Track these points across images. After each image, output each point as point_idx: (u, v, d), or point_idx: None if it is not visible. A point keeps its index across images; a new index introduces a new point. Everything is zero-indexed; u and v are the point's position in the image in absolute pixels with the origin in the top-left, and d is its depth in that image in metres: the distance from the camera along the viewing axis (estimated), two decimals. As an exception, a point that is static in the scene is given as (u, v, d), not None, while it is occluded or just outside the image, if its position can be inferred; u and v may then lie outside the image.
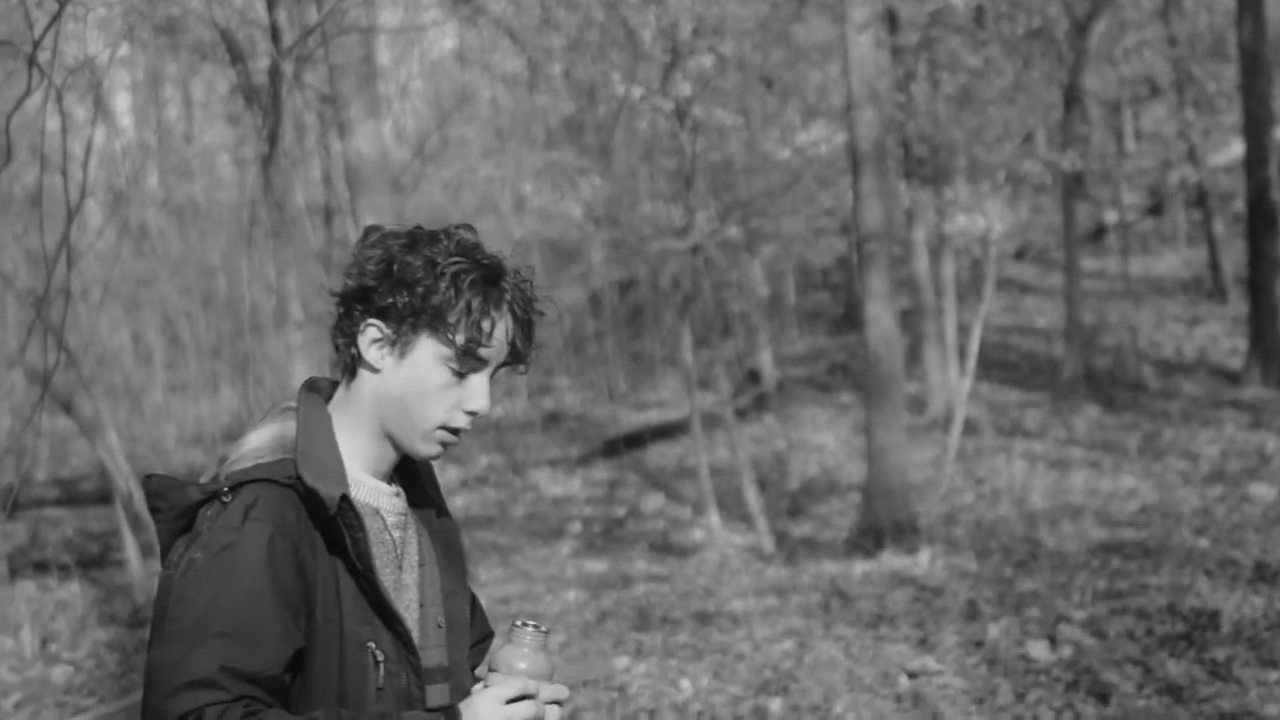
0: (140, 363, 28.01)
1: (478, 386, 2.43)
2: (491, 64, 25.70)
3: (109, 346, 24.36)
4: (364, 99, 9.27)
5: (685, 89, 13.36)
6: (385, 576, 2.42)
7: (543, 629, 2.40)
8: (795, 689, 7.68)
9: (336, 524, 2.32)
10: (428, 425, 2.42)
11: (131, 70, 26.99)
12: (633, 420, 22.49)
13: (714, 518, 13.71)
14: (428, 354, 2.38)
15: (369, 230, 2.46)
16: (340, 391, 2.49)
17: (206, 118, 29.12)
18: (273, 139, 11.69)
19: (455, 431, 2.45)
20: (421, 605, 2.51)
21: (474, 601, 2.73)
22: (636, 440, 20.25)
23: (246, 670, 2.18)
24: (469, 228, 2.47)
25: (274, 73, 11.93)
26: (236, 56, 13.10)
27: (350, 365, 2.44)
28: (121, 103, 29.38)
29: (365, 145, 9.27)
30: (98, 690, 9.49)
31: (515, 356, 2.46)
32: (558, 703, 2.39)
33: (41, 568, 13.62)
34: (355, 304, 2.40)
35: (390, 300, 2.36)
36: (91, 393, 12.57)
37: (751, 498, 13.19)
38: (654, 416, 22.53)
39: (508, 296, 2.41)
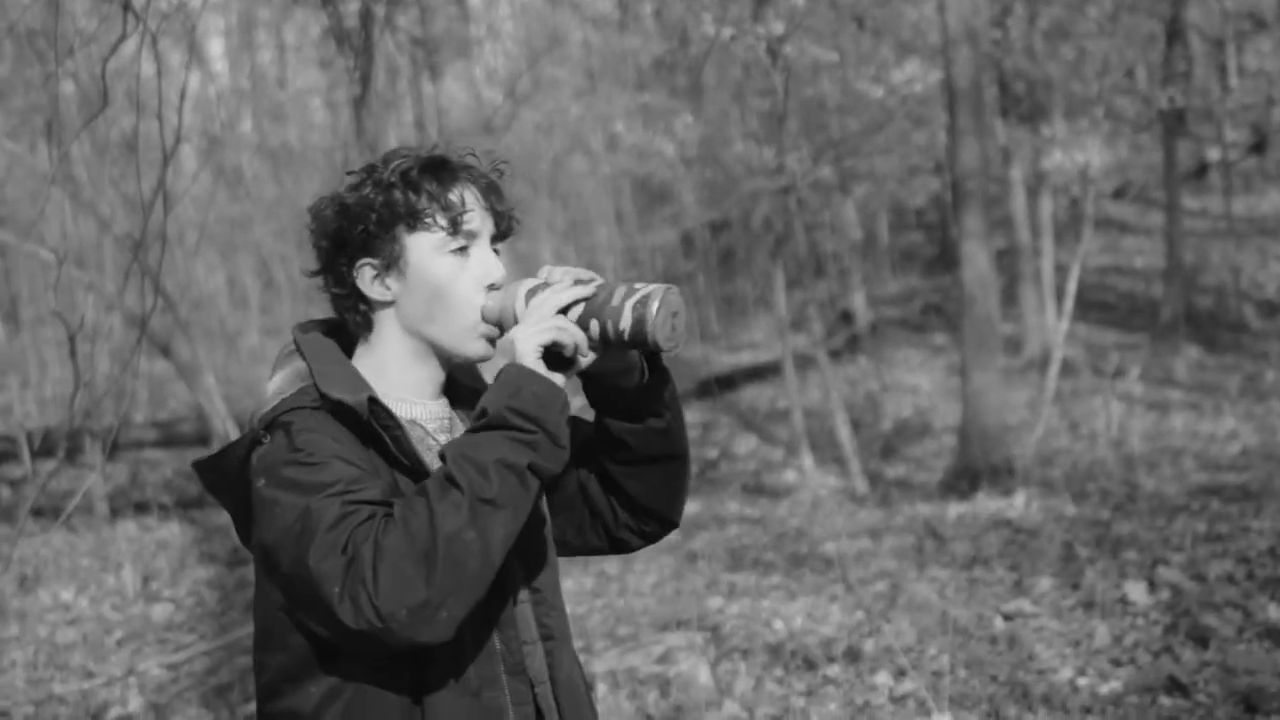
0: (236, 306, 28.35)
1: (485, 258, 2.45)
2: (582, 4, 25.60)
3: (205, 290, 24.66)
4: (455, 41, 9.24)
5: (777, 27, 13.22)
6: None
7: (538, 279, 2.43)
8: (889, 630, 7.64)
9: (373, 428, 2.33)
10: (465, 322, 2.44)
11: (225, 15, 27.16)
12: (725, 361, 22.47)
13: (807, 459, 13.66)
14: (423, 254, 2.40)
15: (314, 203, 2.49)
16: (362, 347, 2.51)
17: (299, 62, 29.26)
18: (365, 82, 11.70)
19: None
20: None
21: None
22: (729, 381, 20.23)
23: (365, 499, 2.21)
24: (406, 147, 2.49)
25: (366, 16, 11.93)
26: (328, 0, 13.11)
27: (365, 319, 2.46)
28: (215, 48, 29.59)
29: (456, 87, 9.24)
30: (198, 628, 9.64)
31: (498, 219, 2.47)
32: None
33: (142, 508, 13.85)
34: (337, 259, 2.43)
35: (361, 229, 2.39)
36: (189, 336, 12.72)
37: (845, 439, 13.13)
38: (746, 358, 22.50)
39: (459, 169, 2.44)
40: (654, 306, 2.33)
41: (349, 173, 2.46)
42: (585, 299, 2.37)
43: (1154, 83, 19.56)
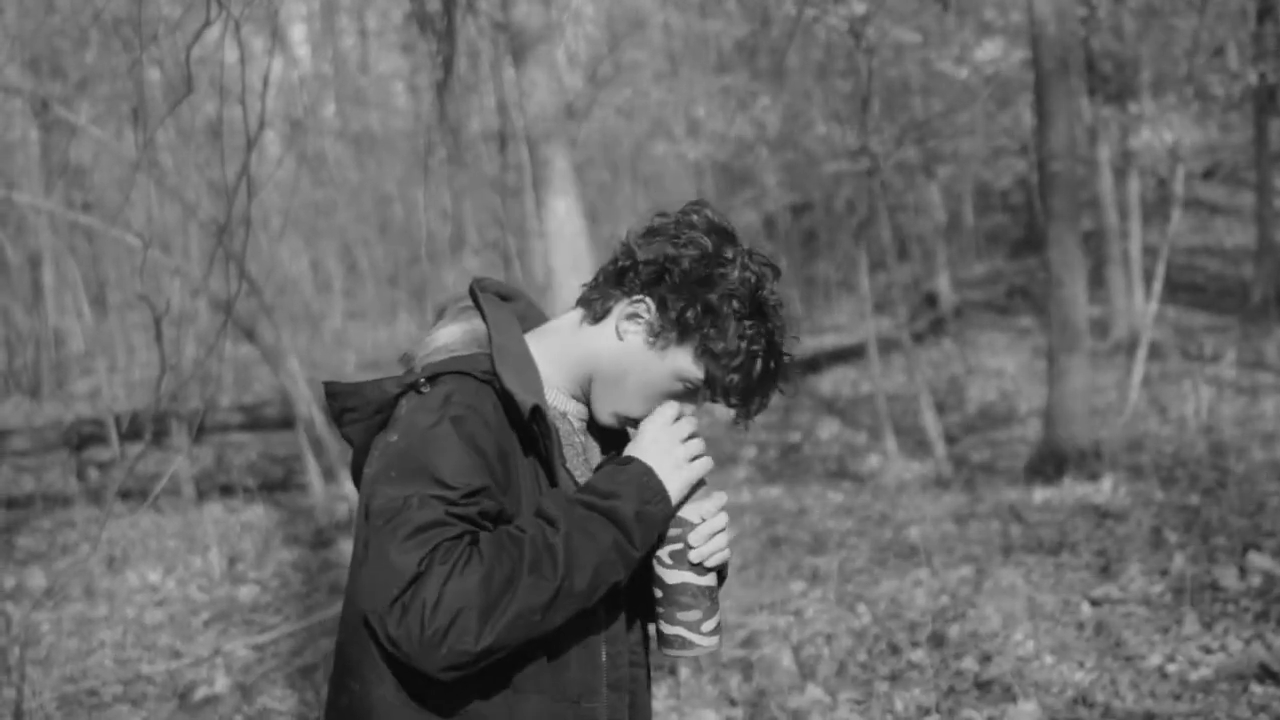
0: (319, 290, 28.60)
1: (688, 417, 2.45)
2: (663, -13, 25.54)
3: (289, 274, 24.87)
4: (537, 24, 9.21)
5: (859, 8, 13.10)
6: (579, 476, 2.45)
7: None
8: (974, 615, 7.57)
9: (531, 426, 2.33)
10: (625, 411, 2.45)
11: (307, 1, 27.35)
12: (808, 345, 22.37)
13: (890, 443, 13.56)
14: (675, 366, 2.40)
15: (695, 206, 2.45)
16: (571, 321, 2.50)
17: (381, 47, 29.44)
18: (447, 66, 11.70)
19: (637, 425, 2.48)
20: None
21: None
22: (812, 365, 20.14)
23: (467, 516, 2.21)
24: (774, 270, 2.47)
25: (448, 0, 11.94)
26: (410, -16, 13.14)
27: (601, 314, 2.45)
28: (297, 33, 29.84)
29: (538, 71, 9.23)
30: (283, 609, 9.71)
31: (745, 413, 2.48)
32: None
33: (227, 491, 13.97)
34: (640, 273, 2.39)
35: (680, 305, 2.36)
36: (273, 320, 12.81)
37: (929, 423, 13.02)
38: (829, 341, 22.39)
39: (773, 368, 2.43)
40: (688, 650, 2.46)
41: (733, 237, 2.43)
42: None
43: (1244, 60, 19.26)
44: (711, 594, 2.43)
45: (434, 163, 13.01)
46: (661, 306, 2.36)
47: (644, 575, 2.48)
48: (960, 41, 17.23)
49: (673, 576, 2.41)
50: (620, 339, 2.40)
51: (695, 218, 2.41)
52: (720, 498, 2.45)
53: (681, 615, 2.41)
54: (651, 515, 2.29)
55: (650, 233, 2.42)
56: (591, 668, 2.39)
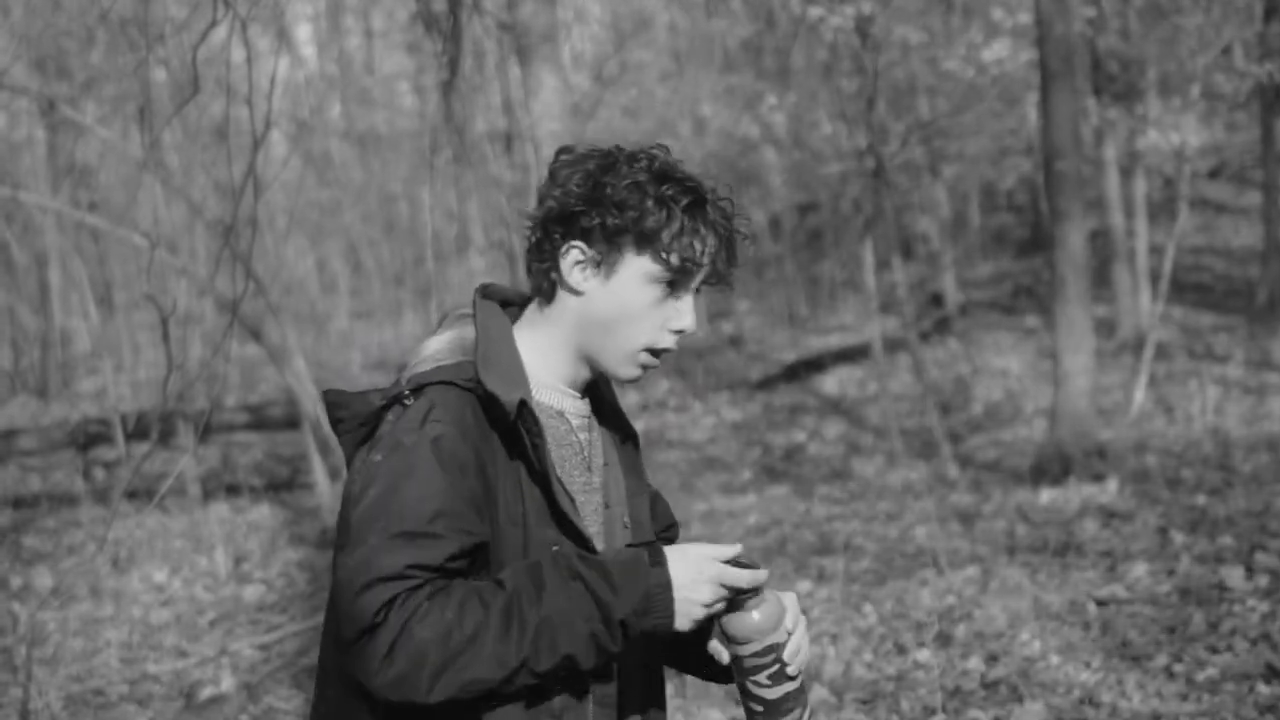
0: (325, 290, 28.63)
1: (685, 304, 2.43)
2: (669, -13, 25.54)
3: (295, 274, 24.90)
4: (542, 24, 9.22)
5: (865, 7, 13.09)
6: (574, 478, 2.44)
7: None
8: (980, 615, 7.57)
9: (516, 428, 2.31)
10: (634, 346, 2.42)
11: (313, 1, 27.37)
12: (813, 344, 22.36)
13: (896, 443, 13.56)
14: (636, 273, 2.37)
15: (561, 152, 2.45)
16: (533, 311, 2.48)
17: (387, 47, 29.47)
18: (453, 66, 11.70)
19: (658, 354, 2.45)
20: (607, 506, 2.53)
21: (656, 496, 2.75)
22: (817, 364, 20.12)
23: (431, 564, 2.19)
24: (663, 148, 2.45)
25: (454, 0, 11.93)
26: (415, -16, 13.12)
27: (549, 289, 2.43)
28: (303, 33, 29.85)
29: (544, 71, 9.23)
30: (289, 609, 9.72)
31: (719, 276, 2.44)
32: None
33: (233, 490, 13.97)
34: (555, 226, 2.39)
35: (596, 221, 2.35)
36: (279, 320, 12.82)
37: (934, 423, 13.02)
38: (834, 341, 22.36)
39: (713, 216, 2.39)
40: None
41: (614, 148, 2.42)
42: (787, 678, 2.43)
43: (1250, 59, 19.23)
44: (805, 685, 2.45)
45: (439, 162, 13.00)
46: (585, 237, 2.35)
47: None
48: (966, 41, 17.22)
49: (775, 693, 2.41)
50: (580, 293, 2.39)
51: (565, 157, 2.42)
52: (792, 600, 2.46)
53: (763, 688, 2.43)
54: (642, 627, 2.25)
55: (540, 198, 2.42)
56: (577, 684, 2.35)
